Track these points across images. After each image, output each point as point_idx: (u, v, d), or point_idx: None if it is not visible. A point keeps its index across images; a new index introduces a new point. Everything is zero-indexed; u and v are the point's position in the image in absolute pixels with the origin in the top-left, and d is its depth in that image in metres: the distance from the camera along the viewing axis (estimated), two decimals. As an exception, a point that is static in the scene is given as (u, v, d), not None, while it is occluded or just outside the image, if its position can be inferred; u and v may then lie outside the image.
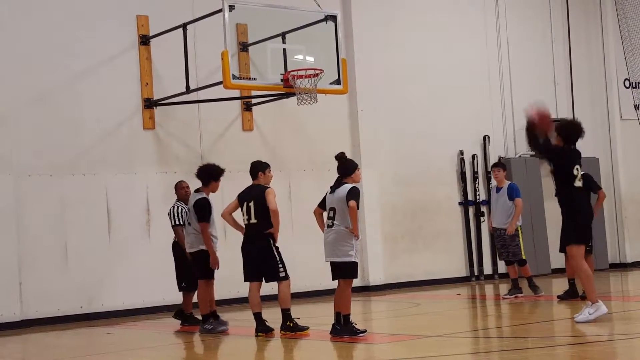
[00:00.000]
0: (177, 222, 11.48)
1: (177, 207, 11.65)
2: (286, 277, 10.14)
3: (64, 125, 13.68)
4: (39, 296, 13.14)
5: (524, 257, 13.24)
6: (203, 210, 10.64)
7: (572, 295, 12.20)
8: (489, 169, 18.04)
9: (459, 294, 14.83)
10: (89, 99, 13.92)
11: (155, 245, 14.13)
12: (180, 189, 11.92)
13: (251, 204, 10.21)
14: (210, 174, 10.92)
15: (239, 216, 10.44)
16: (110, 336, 11.57)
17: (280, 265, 10.11)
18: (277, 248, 10.20)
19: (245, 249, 10.30)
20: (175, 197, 11.95)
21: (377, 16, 16.87)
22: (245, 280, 10.29)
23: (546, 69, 19.22)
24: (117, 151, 14.10)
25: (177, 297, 13.92)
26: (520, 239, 13.24)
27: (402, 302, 14.14)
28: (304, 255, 14.76)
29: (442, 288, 16.25)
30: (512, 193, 13.18)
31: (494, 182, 14.10)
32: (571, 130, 9.97)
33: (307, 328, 10.09)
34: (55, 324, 13.01)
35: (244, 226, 10.35)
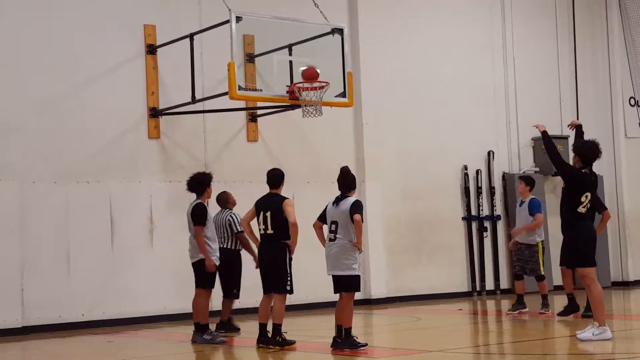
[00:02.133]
0: (240, 230, 11.58)
1: (236, 215, 11.79)
2: (290, 292, 10.10)
3: (69, 132, 13.70)
4: (41, 303, 13.13)
5: (542, 273, 13.21)
6: (199, 215, 10.68)
7: (572, 310, 12.18)
8: (492, 184, 18.05)
9: (461, 309, 14.80)
10: (95, 107, 13.94)
11: (158, 254, 14.15)
12: (230, 197, 12.15)
13: (268, 214, 10.11)
14: (201, 183, 10.96)
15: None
16: (111, 344, 11.56)
17: (288, 279, 10.07)
18: (290, 260, 10.15)
19: (260, 259, 10.28)
20: (221, 208, 12.09)
21: (384, 30, 16.90)
22: (265, 292, 10.23)
23: (551, 85, 19.23)
24: (122, 159, 14.12)
25: (178, 307, 13.97)
26: (540, 255, 13.24)
27: (404, 316, 14.11)
28: (306, 267, 14.75)
29: (443, 303, 16.22)
30: (533, 208, 13.18)
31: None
32: (588, 150, 9.97)
33: (294, 342, 10.04)
34: (57, 331, 13.00)
35: (259, 237, 10.32)
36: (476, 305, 16.14)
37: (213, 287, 10.92)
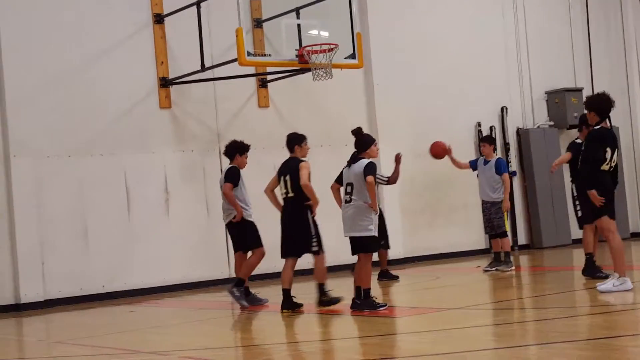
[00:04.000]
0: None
1: None
2: (318, 252, 10.14)
3: (80, 106, 13.70)
4: (62, 276, 13.23)
5: (506, 230, 13.56)
6: (231, 174, 10.87)
7: (593, 271, 12.01)
8: (507, 140, 17.95)
9: (479, 267, 14.79)
10: (105, 79, 13.92)
11: (175, 224, 14.21)
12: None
13: (287, 177, 10.22)
14: (234, 149, 11.11)
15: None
16: (132, 314, 11.64)
17: (314, 239, 10.12)
18: (314, 221, 10.19)
19: (283, 222, 10.33)
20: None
21: (392, -11, 16.75)
22: (282, 256, 10.28)
23: (564, 37, 19.04)
24: (134, 131, 14.12)
25: (198, 275, 14.06)
26: (505, 213, 13.44)
27: (422, 276, 14.13)
28: (323, 230, 14.78)
29: (461, 261, 16.22)
30: (500, 168, 13.36)
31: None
32: (602, 102, 9.82)
33: (340, 299, 10.08)
34: (78, 303, 13.11)
35: (282, 201, 10.38)
36: (494, 261, 16.09)
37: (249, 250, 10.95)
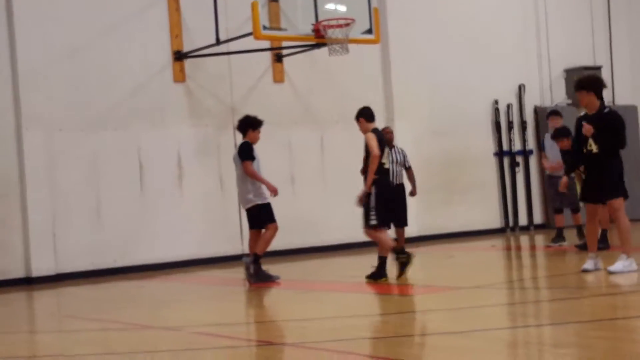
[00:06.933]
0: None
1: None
2: (372, 226, 10.02)
3: (94, 80, 13.60)
4: (73, 251, 13.18)
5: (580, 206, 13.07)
6: (244, 150, 10.76)
7: (601, 246, 12.00)
8: (524, 119, 17.76)
9: (494, 246, 14.68)
10: (119, 52, 13.81)
11: (188, 199, 14.13)
12: (386, 133, 12.12)
13: (386, 149, 10.31)
14: (247, 124, 11.02)
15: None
16: (143, 289, 11.60)
17: (372, 213, 10.00)
18: (377, 195, 10.00)
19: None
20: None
21: (410, -36, 16.53)
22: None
23: (584, 15, 18.77)
24: (148, 105, 14.02)
25: (209, 251, 14.01)
26: (578, 186, 13.03)
27: (437, 254, 14.03)
28: (337, 208, 14.70)
29: (476, 240, 16.10)
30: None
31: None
32: (596, 82, 9.74)
33: (384, 277, 10.10)
34: (89, 277, 13.07)
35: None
36: (510, 241, 16.00)
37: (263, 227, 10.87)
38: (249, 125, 11.02)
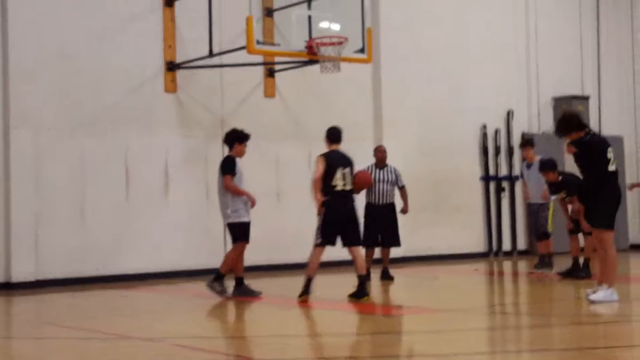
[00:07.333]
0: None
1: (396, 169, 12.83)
2: (317, 245, 10.28)
3: (85, 83, 13.56)
4: (55, 256, 13.08)
5: (549, 231, 13.21)
6: (227, 164, 10.77)
7: (582, 274, 12.17)
8: (511, 144, 17.84)
9: (477, 269, 14.71)
10: (112, 58, 13.78)
11: (173, 209, 14.08)
12: (378, 152, 12.75)
13: (346, 170, 10.39)
14: (234, 137, 11.03)
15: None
16: (125, 299, 11.54)
17: (317, 232, 10.28)
18: (324, 215, 10.23)
19: (338, 214, 10.28)
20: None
21: (404, -15, 16.63)
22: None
23: (573, 43, 18.92)
24: (138, 112, 13.99)
25: (193, 262, 13.95)
26: (550, 213, 13.18)
27: (420, 276, 14.03)
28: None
29: (460, 263, 16.12)
30: None
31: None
32: (576, 118, 9.88)
33: (366, 295, 10.23)
34: (71, 285, 12.98)
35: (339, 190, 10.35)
36: (492, 265, 16.03)
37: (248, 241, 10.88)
38: (236, 138, 11.03)
